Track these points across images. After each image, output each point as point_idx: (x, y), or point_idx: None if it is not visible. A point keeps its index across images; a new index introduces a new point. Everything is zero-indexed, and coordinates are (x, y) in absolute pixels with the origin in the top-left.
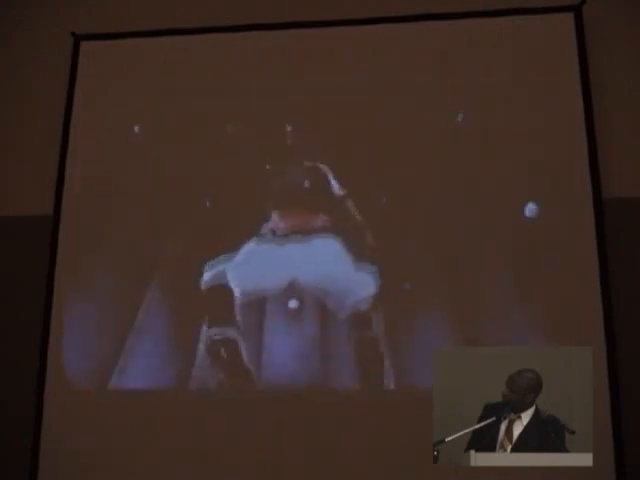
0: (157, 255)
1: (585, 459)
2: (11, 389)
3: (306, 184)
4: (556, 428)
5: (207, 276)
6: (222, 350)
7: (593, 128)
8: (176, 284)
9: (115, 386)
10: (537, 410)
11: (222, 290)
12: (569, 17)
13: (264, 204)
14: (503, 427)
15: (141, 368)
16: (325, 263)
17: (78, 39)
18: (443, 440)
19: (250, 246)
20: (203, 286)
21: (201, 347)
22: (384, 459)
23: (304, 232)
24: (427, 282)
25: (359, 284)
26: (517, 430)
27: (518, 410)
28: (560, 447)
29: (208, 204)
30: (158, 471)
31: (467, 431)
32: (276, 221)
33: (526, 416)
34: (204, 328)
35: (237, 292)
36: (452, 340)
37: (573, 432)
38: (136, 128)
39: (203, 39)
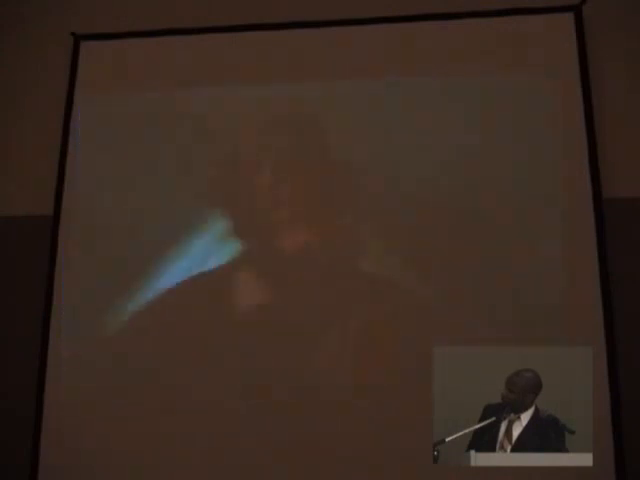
0: (157, 255)
1: (585, 459)
2: (11, 389)
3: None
4: (556, 428)
5: None
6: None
7: (593, 128)
8: (176, 284)
9: (115, 386)
10: (537, 410)
11: None
12: (569, 17)
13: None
14: (503, 427)
15: (140, 368)
16: None
17: (78, 39)
18: (443, 440)
19: None
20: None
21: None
22: (384, 459)
23: None
24: (426, 282)
25: None
26: (517, 430)
27: (518, 410)
28: (560, 447)
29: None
30: (158, 471)
31: (467, 431)
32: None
33: (526, 416)
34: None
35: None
36: (451, 340)
37: (573, 432)
38: (136, 127)
39: (203, 39)
